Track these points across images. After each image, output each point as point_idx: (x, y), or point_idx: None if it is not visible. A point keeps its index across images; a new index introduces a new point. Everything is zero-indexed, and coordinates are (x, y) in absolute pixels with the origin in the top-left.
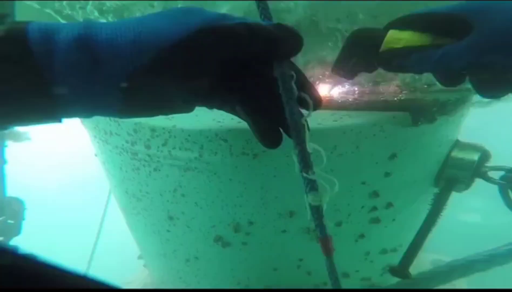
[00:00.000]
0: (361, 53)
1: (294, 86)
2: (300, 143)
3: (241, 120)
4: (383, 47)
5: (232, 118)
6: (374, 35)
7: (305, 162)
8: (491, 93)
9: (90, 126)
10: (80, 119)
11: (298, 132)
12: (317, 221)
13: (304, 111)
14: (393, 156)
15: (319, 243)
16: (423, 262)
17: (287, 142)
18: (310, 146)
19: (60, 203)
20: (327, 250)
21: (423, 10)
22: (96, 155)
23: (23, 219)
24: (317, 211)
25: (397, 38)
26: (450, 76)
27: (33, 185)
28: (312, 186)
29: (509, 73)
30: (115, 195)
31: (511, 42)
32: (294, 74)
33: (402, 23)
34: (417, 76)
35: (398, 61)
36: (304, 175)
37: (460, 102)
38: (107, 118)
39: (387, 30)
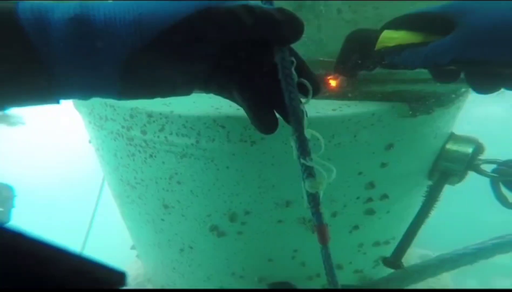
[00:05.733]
0: (358, 53)
1: (294, 72)
2: (299, 129)
3: (239, 107)
4: (377, 46)
5: (230, 105)
6: (370, 35)
7: (303, 148)
8: (483, 89)
9: (85, 112)
10: (75, 102)
11: (297, 118)
12: (313, 208)
13: (302, 97)
14: (389, 146)
15: (315, 231)
16: (411, 257)
17: (285, 129)
18: (308, 133)
19: (52, 192)
20: (323, 238)
21: (416, 10)
22: (90, 141)
23: (13, 207)
24: (313, 199)
25: (391, 37)
26: (442, 72)
27: (25, 173)
28: (309, 172)
29: (496, 68)
30: (109, 182)
31: (490, 38)
32: (294, 60)
33: (396, 24)
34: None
35: (391, 58)
36: (302, 161)
37: (457, 95)
38: (103, 103)
39: (382, 31)
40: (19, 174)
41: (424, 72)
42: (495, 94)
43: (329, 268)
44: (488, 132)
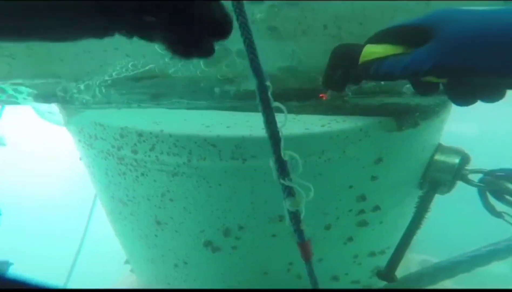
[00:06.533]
0: (343, 67)
1: (271, 97)
2: (277, 152)
3: (230, 125)
4: (361, 60)
5: (221, 123)
6: (353, 50)
7: (282, 169)
8: (461, 100)
9: (75, 130)
10: (65, 121)
11: (275, 140)
12: (295, 226)
13: (279, 120)
14: (378, 160)
15: (298, 248)
16: (411, 263)
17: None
18: (286, 154)
19: (42, 207)
20: (306, 254)
21: (396, 24)
22: (81, 159)
23: None
24: (294, 217)
25: (372, 51)
26: (422, 84)
27: (13, 189)
28: (289, 192)
29: (473, 77)
30: (101, 199)
31: (466, 46)
32: (271, 85)
33: (378, 38)
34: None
35: (374, 69)
36: (281, 181)
37: (441, 107)
38: (92, 122)
39: (365, 45)
40: (5, 190)
41: (409, 86)
42: (471, 108)
43: (314, 283)
44: (466, 147)
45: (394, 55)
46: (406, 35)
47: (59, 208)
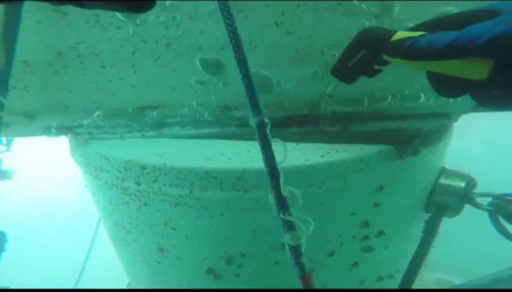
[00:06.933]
0: (369, 47)
1: (269, 134)
2: (277, 188)
3: (231, 156)
4: (395, 37)
5: (222, 154)
6: (385, 31)
7: (282, 204)
8: (447, 92)
9: (81, 162)
10: (72, 152)
11: (274, 177)
12: (295, 259)
13: (278, 154)
14: (380, 188)
15: (300, 281)
16: (427, 282)
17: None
18: (285, 189)
19: (47, 228)
20: (308, 287)
21: (433, 18)
22: (86, 186)
23: (4, 251)
24: (295, 250)
25: (411, 33)
26: (449, 83)
27: (17, 218)
28: (289, 226)
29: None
30: (105, 225)
31: None
32: (269, 122)
33: (418, 28)
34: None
35: (410, 42)
36: (281, 216)
37: (442, 132)
38: (98, 155)
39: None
40: (12, 216)
41: (410, 107)
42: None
43: None
44: (474, 167)
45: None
46: (462, 20)
47: (63, 231)
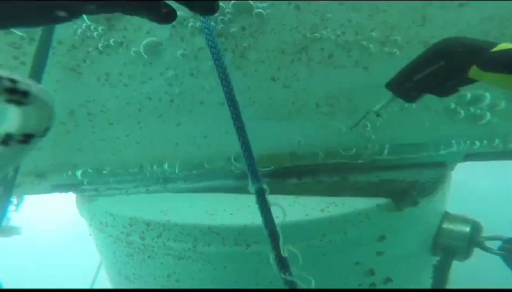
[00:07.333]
0: (453, 58)
1: (268, 200)
2: (276, 249)
3: (233, 212)
4: (498, 48)
5: (224, 210)
6: (479, 42)
7: (282, 265)
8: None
9: (87, 216)
10: (79, 208)
11: (273, 239)
12: None
13: (277, 219)
14: (382, 238)
15: None
16: None
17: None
18: (285, 250)
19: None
20: None
21: None
22: (90, 235)
23: None
24: None
25: None
26: None
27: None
28: (291, 284)
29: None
30: (108, 273)
31: None
32: (268, 188)
33: None
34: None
35: None
36: (282, 276)
37: (439, 182)
38: (103, 212)
39: (494, 45)
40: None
41: (406, 158)
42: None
43: None
44: (483, 206)
45: None
46: None
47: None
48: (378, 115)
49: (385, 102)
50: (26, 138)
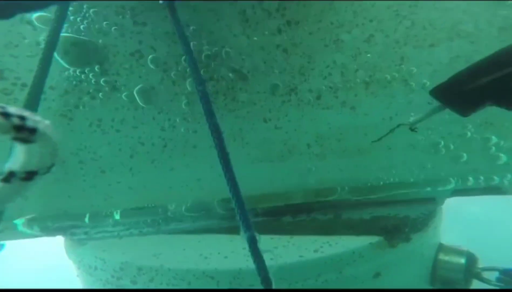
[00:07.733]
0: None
1: (260, 248)
2: None
3: (228, 255)
4: None
5: (218, 252)
6: None
7: None
8: None
9: (75, 259)
10: (67, 250)
11: (266, 284)
12: None
13: (271, 262)
14: (377, 275)
15: None
16: None
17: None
18: None
19: None
20: None
21: None
22: (77, 276)
23: None
24: None
25: None
26: None
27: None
28: None
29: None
30: None
31: None
32: (259, 236)
33: None
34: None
35: None
36: None
37: (430, 217)
38: (92, 256)
39: None
40: None
41: (397, 194)
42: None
43: None
44: (475, 231)
45: None
46: None
47: None
48: (412, 129)
49: (426, 114)
50: (29, 175)
